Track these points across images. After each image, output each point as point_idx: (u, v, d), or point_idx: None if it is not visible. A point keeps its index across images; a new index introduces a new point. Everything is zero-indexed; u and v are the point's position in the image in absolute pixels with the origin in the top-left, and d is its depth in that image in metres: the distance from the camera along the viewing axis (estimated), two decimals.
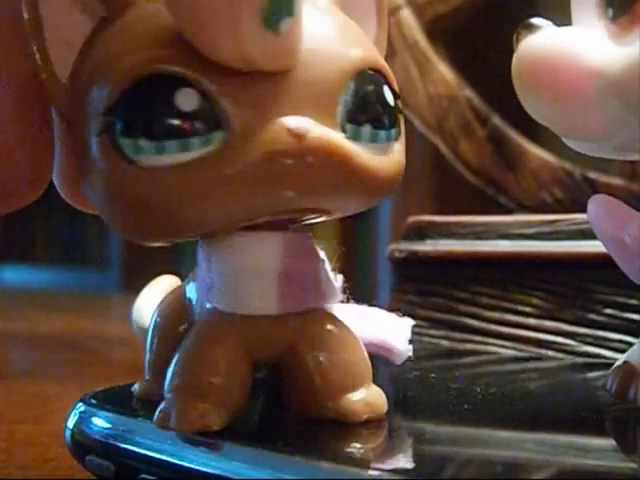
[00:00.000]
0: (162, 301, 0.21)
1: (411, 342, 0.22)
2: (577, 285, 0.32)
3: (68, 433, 0.19)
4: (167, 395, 0.17)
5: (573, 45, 0.16)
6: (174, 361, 0.17)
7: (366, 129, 0.17)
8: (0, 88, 0.18)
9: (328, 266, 0.19)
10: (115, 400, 0.19)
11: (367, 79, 0.17)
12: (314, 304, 0.18)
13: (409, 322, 0.22)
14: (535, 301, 0.33)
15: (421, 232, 0.37)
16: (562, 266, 0.32)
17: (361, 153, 0.16)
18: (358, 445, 0.16)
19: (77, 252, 1.75)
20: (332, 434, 0.17)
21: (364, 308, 0.21)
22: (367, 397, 0.18)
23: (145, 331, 0.22)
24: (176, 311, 0.20)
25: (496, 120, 0.43)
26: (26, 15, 0.17)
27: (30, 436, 0.27)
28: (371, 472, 0.14)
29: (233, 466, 0.15)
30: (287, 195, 0.16)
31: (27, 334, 0.65)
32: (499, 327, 0.34)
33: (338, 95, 0.16)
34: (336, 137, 0.16)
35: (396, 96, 0.17)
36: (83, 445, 0.19)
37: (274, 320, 0.18)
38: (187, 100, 0.15)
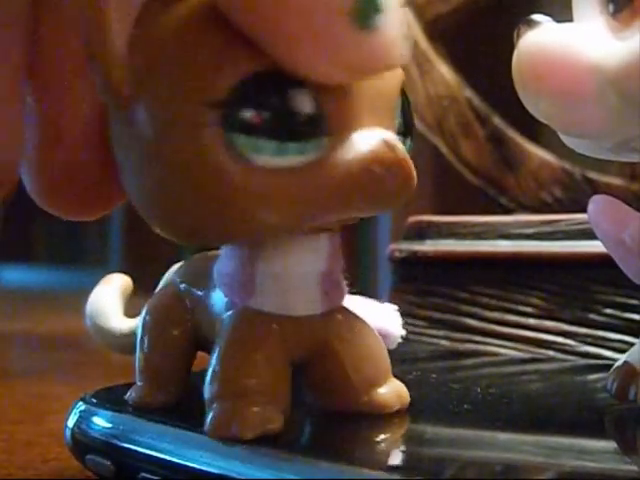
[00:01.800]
0: (151, 301, 0.20)
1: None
2: (577, 285, 0.32)
3: (68, 432, 0.19)
4: (216, 401, 0.17)
5: (573, 41, 0.16)
6: (215, 364, 0.17)
7: (407, 141, 0.17)
8: None
9: None
10: (115, 399, 0.19)
11: (403, 92, 0.17)
12: (341, 302, 0.18)
13: (392, 306, 0.23)
14: (535, 301, 0.33)
15: (421, 232, 0.37)
16: (562, 266, 0.32)
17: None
18: (358, 445, 0.16)
19: (77, 252, 1.75)
20: (332, 434, 0.17)
21: (359, 300, 0.21)
22: (395, 389, 0.18)
23: (101, 330, 0.22)
24: (170, 311, 0.20)
25: (496, 120, 0.43)
26: None
27: (30, 436, 0.27)
28: (371, 472, 0.14)
29: (233, 465, 0.15)
30: (364, 204, 0.16)
31: (27, 334, 0.65)
32: (499, 327, 0.34)
33: (396, 108, 0.17)
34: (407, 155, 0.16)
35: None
36: (83, 444, 0.19)
37: (314, 320, 0.18)
38: (303, 102, 0.15)
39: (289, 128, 0.15)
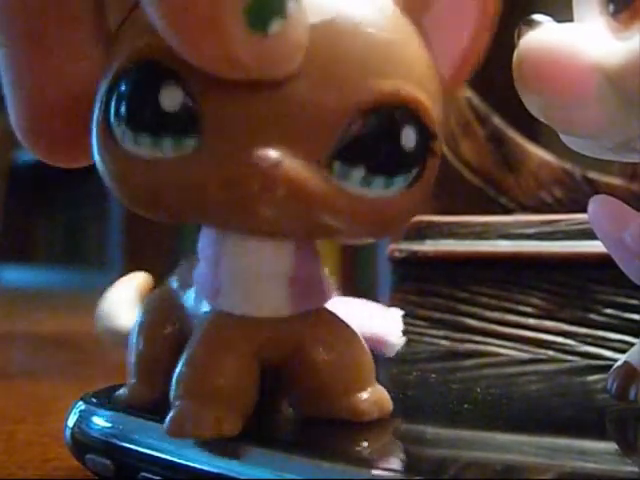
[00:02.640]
0: (146, 300, 0.20)
1: (404, 333, 0.22)
2: (577, 285, 0.32)
3: (68, 432, 0.19)
4: (178, 401, 0.16)
5: (573, 41, 0.16)
6: (182, 365, 0.17)
7: (358, 172, 0.15)
8: None
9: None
10: (115, 399, 0.19)
11: (381, 116, 0.15)
12: (319, 304, 0.18)
13: (398, 312, 0.22)
14: (535, 301, 0.33)
15: (421, 232, 0.37)
16: (562, 266, 0.32)
17: (327, 194, 0.15)
18: (358, 445, 0.16)
19: (77, 252, 1.75)
20: (332, 434, 0.17)
21: (351, 301, 0.21)
22: (375, 396, 0.18)
23: (116, 333, 0.22)
24: (163, 310, 0.20)
25: (496, 120, 0.43)
26: None
27: (30, 436, 0.27)
28: (371, 472, 0.14)
29: (233, 465, 0.15)
30: (246, 220, 0.15)
31: (27, 334, 0.65)
32: (499, 327, 0.34)
33: (336, 129, 0.15)
34: (305, 177, 0.15)
35: (429, 137, 0.16)
36: (83, 444, 0.19)
37: (283, 322, 0.17)
38: (170, 98, 0.15)
39: (143, 120, 0.15)
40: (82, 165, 0.18)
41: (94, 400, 0.19)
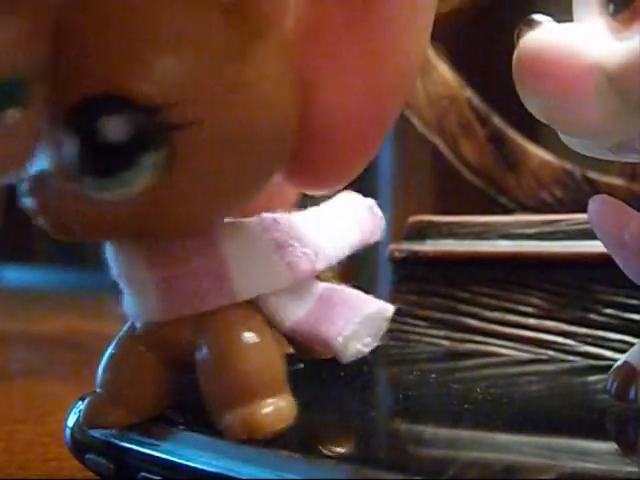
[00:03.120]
0: None
1: (377, 334, 0.19)
2: (577, 285, 0.32)
3: (68, 432, 0.19)
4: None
5: (573, 41, 0.16)
6: (100, 364, 0.19)
7: (90, 180, 0.14)
8: None
9: (262, 251, 0.17)
10: None
11: (73, 120, 0.14)
12: (214, 304, 0.17)
13: (379, 310, 0.19)
14: (535, 301, 0.33)
15: (421, 232, 0.36)
16: (562, 266, 0.32)
17: (79, 208, 0.16)
18: (358, 445, 0.16)
19: (77, 252, 1.75)
20: (332, 434, 0.17)
21: (332, 296, 0.19)
22: (249, 415, 0.16)
23: None
24: None
25: (496, 120, 0.43)
26: None
27: (30, 436, 0.27)
28: (371, 472, 0.14)
29: (232, 465, 0.15)
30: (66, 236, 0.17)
31: (27, 334, 0.65)
32: (499, 327, 0.34)
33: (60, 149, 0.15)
34: (50, 202, 0.16)
35: (152, 111, 0.14)
36: (83, 444, 0.19)
37: (166, 325, 0.17)
38: None
39: None
40: None
41: None
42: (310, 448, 0.16)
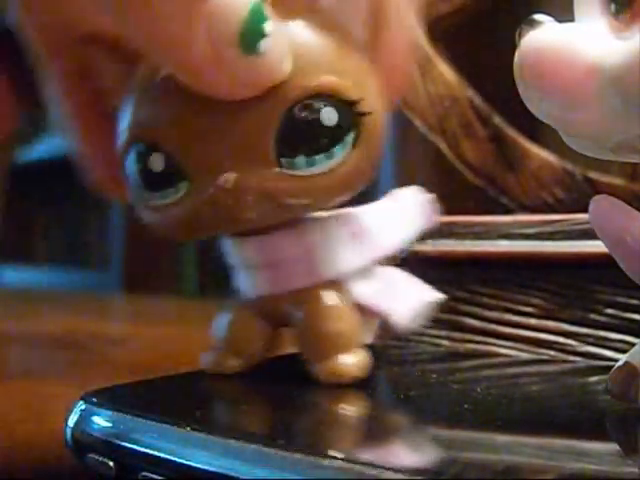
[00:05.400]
0: None
1: (422, 318, 0.24)
2: (578, 285, 0.32)
3: (69, 432, 0.19)
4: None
5: (574, 40, 0.16)
6: (215, 326, 0.23)
7: (300, 159, 0.20)
8: None
9: (340, 238, 0.22)
10: (116, 399, 0.19)
11: (299, 110, 0.19)
12: (304, 284, 0.22)
13: (433, 297, 0.25)
14: (535, 301, 0.33)
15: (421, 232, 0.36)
16: (563, 266, 0.32)
17: (284, 185, 0.20)
18: (358, 445, 0.16)
19: (77, 252, 1.75)
20: (333, 433, 0.17)
21: (394, 274, 0.24)
22: (336, 364, 0.21)
23: None
24: None
25: (497, 120, 0.43)
26: (80, 67, 0.22)
27: (30, 436, 0.27)
28: (371, 472, 0.14)
29: (234, 464, 0.15)
30: (236, 225, 0.21)
31: (27, 334, 0.65)
32: (499, 327, 0.34)
33: (269, 134, 0.19)
34: (258, 180, 0.20)
35: (351, 104, 0.20)
36: (84, 444, 0.19)
37: (270, 299, 0.22)
38: (157, 163, 0.20)
39: (149, 182, 0.21)
40: None
41: (94, 400, 0.19)
42: (311, 447, 0.16)
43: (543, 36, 0.17)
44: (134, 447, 0.17)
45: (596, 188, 0.38)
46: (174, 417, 0.18)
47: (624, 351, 0.20)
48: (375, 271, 0.23)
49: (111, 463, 0.18)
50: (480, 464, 0.16)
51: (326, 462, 0.15)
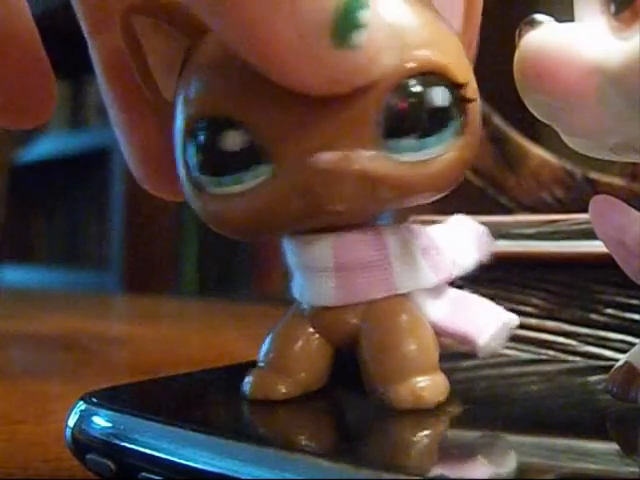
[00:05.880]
0: None
1: (506, 339, 0.22)
2: (578, 285, 0.32)
3: (68, 432, 0.19)
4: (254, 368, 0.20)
5: (574, 40, 0.16)
6: (264, 341, 0.20)
7: (409, 141, 0.17)
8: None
9: (414, 252, 0.20)
10: (116, 399, 0.19)
11: (408, 88, 0.17)
12: (379, 294, 0.19)
13: (510, 319, 0.22)
14: (535, 301, 0.33)
15: None
16: (563, 266, 0.32)
17: (389, 171, 0.17)
18: (358, 445, 0.16)
19: (77, 252, 1.75)
20: (333, 433, 0.17)
21: (467, 298, 0.22)
22: (416, 387, 0.18)
23: None
24: None
25: (497, 120, 0.43)
26: (125, 42, 0.19)
27: (30, 436, 0.27)
28: (371, 472, 0.14)
29: (234, 464, 0.15)
30: (321, 219, 0.18)
31: (27, 334, 0.65)
32: None
33: (373, 113, 0.17)
34: (364, 162, 0.17)
35: (458, 87, 0.18)
36: (84, 444, 0.19)
37: (336, 310, 0.19)
38: (232, 141, 0.17)
39: (218, 165, 0.18)
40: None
41: (94, 400, 0.19)
42: (310, 448, 0.16)
43: (543, 36, 0.17)
44: (134, 447, 0.17)
45: (596, 188, 0.38)
46: (174, 417, 0.18)
47: (624, 351, 0.20)
48: (445, 292, 0.21)
49: (111, 463, 0.18)
50: (480, 464, 0.16)
51: (325, 463, 0.15)
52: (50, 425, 0.28)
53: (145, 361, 0.48)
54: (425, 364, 0.19)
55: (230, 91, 0.17)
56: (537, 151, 0.41)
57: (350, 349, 0.19)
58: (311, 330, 0.20)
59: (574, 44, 0.16)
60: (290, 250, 0.20)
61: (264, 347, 0.20)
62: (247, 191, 0.18)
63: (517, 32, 0.17)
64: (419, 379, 0.18)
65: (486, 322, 0.21)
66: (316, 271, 0.19)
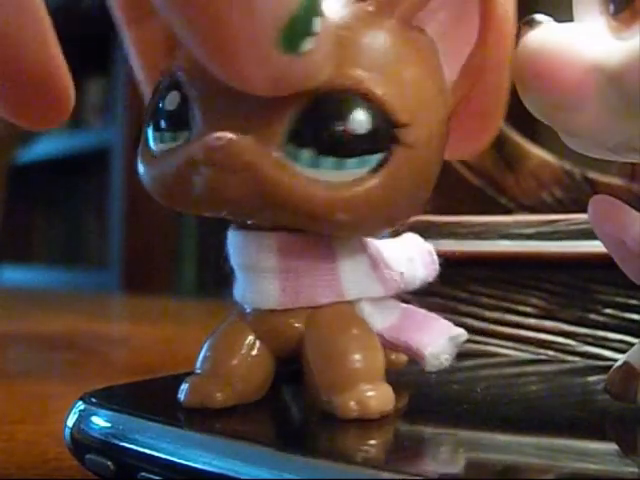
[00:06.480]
0: None
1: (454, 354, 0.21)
2: (577, 285, 0.32)
3: (68, 432, 0.19)
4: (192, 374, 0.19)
5: (574, 40, 0.16)
6: (203, 347, 0.19)
7: (306, 153, 0.17)
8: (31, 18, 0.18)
9: (363, 262, 0.19)
10: (115, 399, 0.19)
11: (333, 101, 0.16)
12: (326, 300, 0.18)
13: (459, 333, 0.21)
14: (535, 301, 0.33)
15: (421, 232, 0.36)
16: (562, 266, 0.32)
17: (282, 174, 0.16)
18: (358, 445, 0.16)
19: (77, 252, 1.75)
20: (332, 433, 0.17)
21: (414, 310, 0.21)
22: (362, 396, 0.17)
23: None
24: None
25: None
26: None
27: (30, 436, 0.27)
28: (371, 472, 0.14)
29: (232, 465, 0.15)
30: (201, 200, 0.17)
31: (27, 334, 0.65)
32: (499, 327, 0.34)
33: (287, 112, 0.17)
34: (253, 155, 0.16)
35: (393, 125, 0.17)
36: (83, 444, 0.19)
37: (280, 314, 0.18)
38: (171, 101, 0.18)
39: (155, 121, 0.18)
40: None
41: (94, 400, 0.19)
42: (310, 447, 0.16)
43: (542, 36, 0.17)
44: (133, 447, 0.17)
45: (595, 188, 0.38)
46: (173, 417, 0.18)
47: (623, 351, 0.20)
48: (393, 304, 0.20)
49: (110, 463, 0.18)
50: (479, 464, 0.16)
51: (325, 463, 0.15)
52: (50, 425, 0.28)
53: (144, 361, 0.48)
54: (371, 373, 0.18)
55: (183, 58, 0.18)
56: (536, 151, 0.41)
57: (291, 357, 0.19)
58: (252, 337, 0.19)
59: (573, 44, 0.16)
60: (233, 247, 0.19)
61: (202, 353, 0.19)
62: (165, 152, 0.18)
63: (516, 32, 0.17)
64: (365, 388, 0.18)
65: (433, 334, 0.20)
66: (260, 271, 0.18)
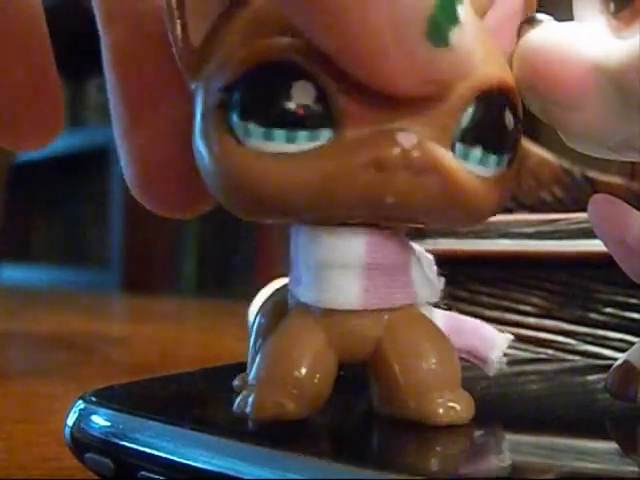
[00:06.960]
0: (266, 301, 0.20)
1: (505, 355, 0.21)
2: (577, 284, 0.32)
3: (68, 431, 0.19)
4: (250, 384, 0.17)
5: (574, 39, 0.16)
6: (261, 353, 0.18)
7: (476, 151, 0.17)
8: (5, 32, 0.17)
9: (427, 266, 0.19)
10: (115, 398, 0.19)
11: (490, 101, 0.17)
12: (402, 302, 0.18)
13: (507, 337, 0.21)
14: (535, 300, 0.33)
15: (421, 232, 0.37)
16: (562, 265, 0.32)
17: (464, 175, 0.16)
18: (358, 445, 0.16)
19: (77, 251, 1.75)
20: (333, 433, 0.17)
21: (459, 316, 0.21)
22: (451, 401, 0.17)
23: None
24: (278, 311, 0.19)
25: None
26: None
27: (30, 436, 0.27)
28: (371, 472, 0.14)
29: (233, 464, 0.15)
30: (383, 204, 0.16)
31: (27, 334, 0.65)
32: (499, 326, 0.33)
33: (458, 113, 0.16)
34: (441, 155, 0.16)
35: (517, 120, 0.17)
36: (83, 443, 0.19)
37: (359, 315, 0.17)
38: (302, 93, 0.15)
39: (275, 115, 0.16)
40: (190, 216, 0.20)
41: (94, 399, 0.19)
42: (311, 447, 0.16)
43: (542, 35, 0.17)
44: (133, 446, 0.17)
45: (595, 187, 0.38)
46: (173, 416, 0.18)
47: (623, 350, 0.20)
48: (433, 309, 0.20)
49: (110, 462, 0.18)
50: (480, 464, 0.16)
51: (325, 462, 0.15)
52: (50, 425, 0.28)
53: (144, 360, 0.48)
54: (455, 380, 0.18)
55: (301, 40, 0.15)
56: (536, 150, 0.41)
57: (356, 362, 0.18)
58: (323, 341, 0.17)
59: (574, 43, 0.16)
60: (309, 244, 0.18)
61: (264, 359, 0.17)
62: (302, 153, 0.16)
63: (517, 31, 0.17)
64: (452, 395, 0.17)
65: (489, 338, 0.20)
66: (342, 268, 0.17)
